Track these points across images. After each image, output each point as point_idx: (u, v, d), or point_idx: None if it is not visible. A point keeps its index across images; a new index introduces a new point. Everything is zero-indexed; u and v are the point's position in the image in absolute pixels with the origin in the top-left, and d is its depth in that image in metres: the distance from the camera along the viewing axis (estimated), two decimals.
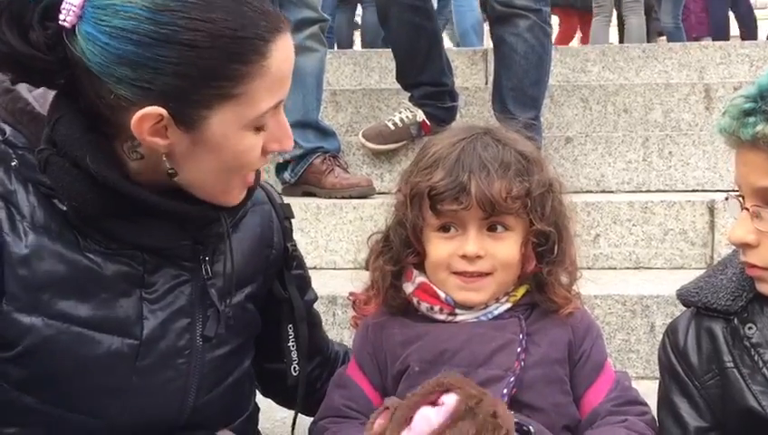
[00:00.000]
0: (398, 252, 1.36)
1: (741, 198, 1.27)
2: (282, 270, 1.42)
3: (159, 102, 1.10)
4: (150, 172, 1.18)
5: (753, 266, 1.27)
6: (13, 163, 1.18)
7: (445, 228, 1.31)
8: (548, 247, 1.33)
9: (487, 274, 1.31)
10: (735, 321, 1.31)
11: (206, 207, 1.22)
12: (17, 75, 1.17)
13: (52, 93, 1.21)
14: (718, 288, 1.34)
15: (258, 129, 1.16)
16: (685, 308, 1.40)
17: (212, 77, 1.10)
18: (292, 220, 1.46)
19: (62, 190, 1.15)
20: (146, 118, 1.10)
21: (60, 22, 1.09)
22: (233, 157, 1.16)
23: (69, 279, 1.17)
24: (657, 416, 1.38)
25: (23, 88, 1.22)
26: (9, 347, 1.16)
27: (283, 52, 1.14)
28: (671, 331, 1.39)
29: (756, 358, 1.28)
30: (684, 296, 1.38)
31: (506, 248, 1.31)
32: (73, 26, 1.09)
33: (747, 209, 1.25)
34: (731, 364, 1.30)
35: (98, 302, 1.19)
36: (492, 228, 1.31)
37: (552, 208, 1.33)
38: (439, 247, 1.32)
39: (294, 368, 1.43)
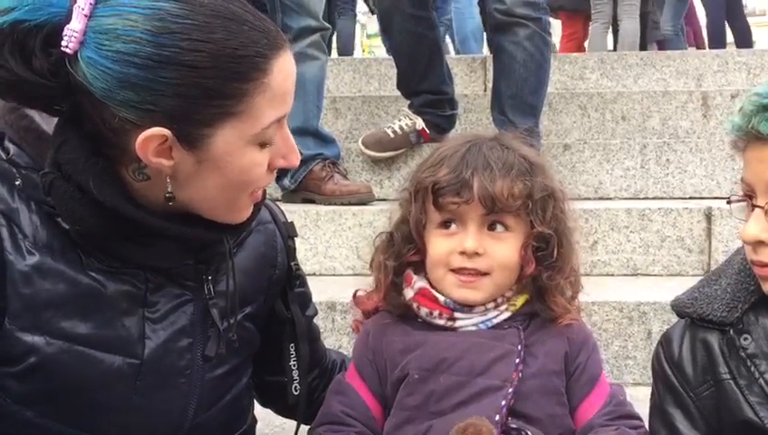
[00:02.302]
0: (400, 247, 1.38)
1: (749, 198, 1.27)
2: (285, 289, 1.43)
3: (163, 123, 1.10)
4: (156, 193, 1.18)
5: (765, 265, 1.26)
6: (17, 182, 1.18)
7: (446, 225, 1.34)
8: (548, 252, 1.35)
9: (485, 274, 1.33)
10: (731, 332, 1.32)
11: (207, 231, 1.22)
12: (21, 102, 1.17)
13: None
14: (713, 299, 1.34)
15: (263, 145, 1.17)
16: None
17: (214, 96, 1.10)
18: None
19: (65, 214, 1.15)
20: (150, 139, 1.10)
21: (62, 48, 1.09)
22: (238, 174, 1.16)
23: (71, 298, 1.17)
24: (650, 426, 1.39)
25: None
26: (12, 363, 1.17)
27: (283, 68, 1.15)
28: (665, 341, 1.39)
29: (753, 369, 1.29)
30: (678, 307, 1.39)
31: (505, 249, 1.33)
32: (75, 52, 1.09)
33: (761, 207, 1.25)
34: (727, 376, 1.31)
35: (100, 321, 1.19)
36: (492, 227, 1.33)
37: (554, 215, 1.35)
38: (439, 244, 1.34)
39: (295, 387, 1.43)
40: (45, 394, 1.18)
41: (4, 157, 1.19)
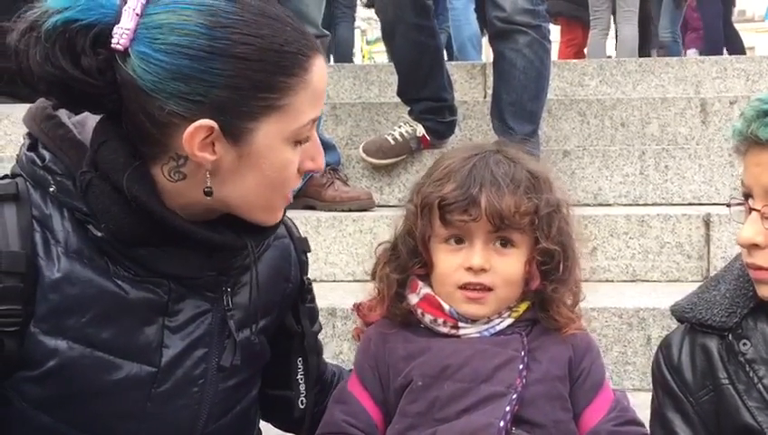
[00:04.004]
0: (405, 261, 1.38)
1: (748, 202, 1.28)
2: (296, 303, 1.44)
3: (210, 116, 1.14)
4: (188, 195, 1.20)
5: (760, 269, 1.28)
6: (51, 189, 1.20)
7: (452, 240, 1.34)
8: (553, 266, 1.35)
9: (489, 289, 1.33)
10: (730, 337, 1.33)
11: (232, 236, 1.24)
12: (65, 100, 1.19)
13: (90, 121, 1.24)
14: (712, 304, 1.36)
15: (297, 143, 1.21)
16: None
17: (260, 89, 1.15)
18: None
19: (100, 213, 1.18)
20: (198, 131, 1.14)
21: (113, 45, 1.13)
22: (275, 171, 1.20)
23: (96, 304, 1.19)
24: (651, 432, 1.39)
25: (63, 115, 1.24)
26: (32, 367, 1.18)
27: (320, 69, 1.21)
28: (665, 347, 1.40)
29: (751, 374, 1.30)
30: (678, 313, 1.40)
31: (510, 265, 1.33)
32: (126, 49, 1.13)
33: (757, 210, 1.26)
34: (726, 381, 1.32)
35: (121, 328, 1.21)
36: (498, 244, 1.33)
37: (559, 228, 1.35)
38: (446, 259, 1.34)
39: (302, 401, 1.44)
40: (63, 399, 1.20)
41: (39, 163, 1.22)
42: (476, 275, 1.32)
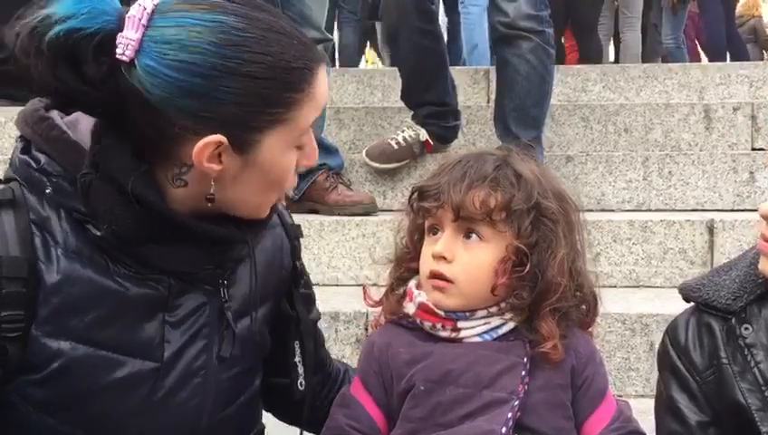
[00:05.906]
0: (400, 255, 1.41)
1: None
2: (290, 288, 1.45)
3: (218, 130, 1.15)
4: (188, 199, 1.22)
5: None
6: (47, 191, 1.20)
7: (432, 231, 1.35)
8: (527, 270, 1.30)
9: (451, 281, 1.31)
10: (733, 320, 1.35)
11: (233, 229, 1.26)
12: (63, 103, 1.20)
13: (83, 121, 1.24)
14: (720, 287, 1.37)
15: (298, 147, 1.24)
16: (685, 303, 1.42)
17: (269, 104, 1.17)
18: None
19: (103, 214, 1.18)
20: (207, 146, 1.15)
21: (117, 56, 1.12)
22: (278, 174, 1.23)
23: (97, 304, 1.20)
24: (656, 416, 1.40)
25: (56, 116, 1.24)
26: (35, 370, 1.19)
27: (323, 79, 1.23)
28: (671, 329, 1.42)
29: (749, 358, 1.32)
30: (686, 291, 1.41)
31: (472, 258, 1.31)
32: (131, 60, 1.12)
33: None
34: (726, 361, 1.34)
35: (123, 325, 1.22)
36: (467, 236, 1.32)
37: (538, 230, 1.31)
38: (425, 249, 1.36)
39: (301, 383, 1.44)
40: (67, 400, 1.20)
41: (35, 166, 1.22)
42: (438, 263, 1.32)
